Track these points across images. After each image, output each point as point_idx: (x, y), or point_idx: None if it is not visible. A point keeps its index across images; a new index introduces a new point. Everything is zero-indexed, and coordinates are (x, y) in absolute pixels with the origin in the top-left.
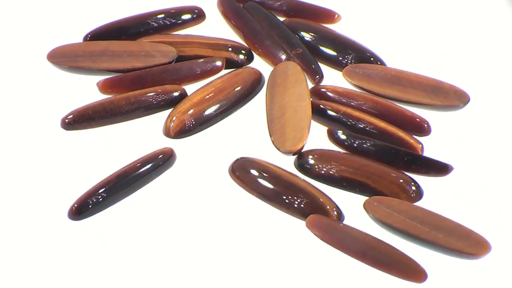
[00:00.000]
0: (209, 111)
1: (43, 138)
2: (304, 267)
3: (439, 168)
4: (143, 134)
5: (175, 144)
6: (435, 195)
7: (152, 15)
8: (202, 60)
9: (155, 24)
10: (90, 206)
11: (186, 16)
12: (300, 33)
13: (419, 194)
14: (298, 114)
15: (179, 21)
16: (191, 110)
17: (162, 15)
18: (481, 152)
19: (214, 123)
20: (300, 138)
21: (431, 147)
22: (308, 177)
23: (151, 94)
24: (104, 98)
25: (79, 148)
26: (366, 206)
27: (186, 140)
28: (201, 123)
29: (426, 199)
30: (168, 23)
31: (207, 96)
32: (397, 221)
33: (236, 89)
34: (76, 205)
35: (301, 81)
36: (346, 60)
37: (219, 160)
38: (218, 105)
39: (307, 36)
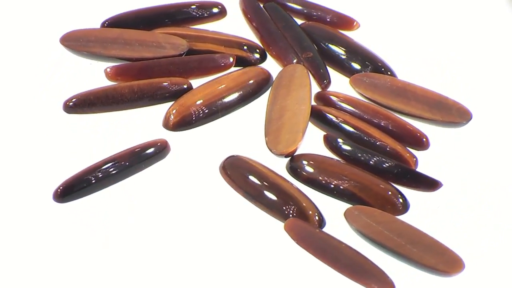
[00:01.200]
0: (211, 106)
1: (44, 119)
2: (279, 268)
3: (428, 184)
4: (143, 124)
5: (173, 137)
6: (422, 209)
7: (173, 7)
8: (212, 55)
9: (175, 17)
10: (74, 190)
11: (210, 11)
12: (315, 36)
13: (405, 207)
14: (295, 117)
15: (201, 15)
16: (192, 104)
17: (185, 8)
18: (475, 172)
19: (215, 119)
20: (293, 141)
21: (427, 161)
22: (298, 180)
23: (155, 85)
24: (109, 84)
25: (78, 132)
26: (346, 214)
27: (184, 133)
28: (201, 118)
29: (412, 213)
30: (189, 16)
31: (211, 92)
32: (374, 232)
33: (241, 88)
34: (61, 188)
35: (305, 85)
36: (356, 67)
37: (213, 157)
38: (220, 102)
39: (321, 41)
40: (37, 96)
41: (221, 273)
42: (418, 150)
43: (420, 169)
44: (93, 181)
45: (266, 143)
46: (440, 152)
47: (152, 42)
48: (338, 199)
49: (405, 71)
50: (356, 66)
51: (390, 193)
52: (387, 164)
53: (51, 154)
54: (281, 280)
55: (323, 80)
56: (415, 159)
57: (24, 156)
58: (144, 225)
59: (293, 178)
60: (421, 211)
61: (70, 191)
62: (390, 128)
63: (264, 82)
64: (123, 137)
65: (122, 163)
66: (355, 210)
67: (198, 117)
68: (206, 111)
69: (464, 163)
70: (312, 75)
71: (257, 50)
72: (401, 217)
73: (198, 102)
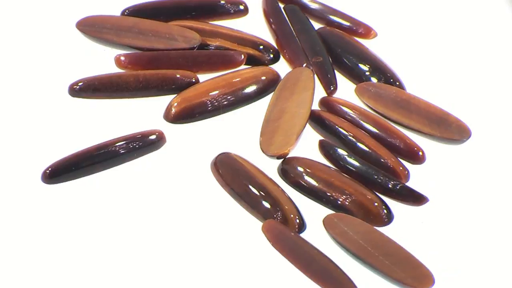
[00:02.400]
0: (213, 102)
1: (48, 100)
2: (252, 267)
3: (414, 198)
4: (144, 114)
5: (171, 129)
6: (406, 223)
7: (197, 0)
8: (223, 51)
9: (198, 11)
10: (62, 173)
11: (234, 8)
12: (329, 42)
13: (389, 218)
14: (293, 120)
15: (224, 12)
16: (195, 98)
17: (209, 2)
18: (466, 191)
19: (216, 115)
20: (286, 143)
21: (421, 176)
22: (287, 183)
23: (161, 76)
24: (118, 72)
25: (78, 116)
26: (325, 220)
27: (183, 126)
28: (202, 112)
29: (396, 225)
30: (211, 11)
31: (215, 88)
32: (348, 241)
33: (246, 86)
34: (49, 169)
35: (309, 89)
36: (365, 76)
37: (208, 152)
38: (223, 98)
39: (335, 47)
40: (46, 76)
41: (196, 266)
42: (413, 163)
43: (412, 182)
44: (83, 166)
45: (260, 143)
46: (435, 167)
47: (165, 34)
48: (323, 205)
49: (416, 83)
50: (365, 74)
51: (376, 204)
52: (376, 175)
53: (47, 135)
54: (252, 279)
55: (329, 86)
56: (406, 172)
57: (19, 133)
58: (129, 213)
59: (283, 181)
60: (405, 224)
61: (58, 173)
62: (387, 139)
63: (271, 83)
64: (122, 125)
65: (114, 150)
66: (335, 217)
67: (199, 111)
68: (208, 106)
69: (457, 181)
70: (319, 79)
71: (271, 51)
72: (384, 229)
73: (201, 97)
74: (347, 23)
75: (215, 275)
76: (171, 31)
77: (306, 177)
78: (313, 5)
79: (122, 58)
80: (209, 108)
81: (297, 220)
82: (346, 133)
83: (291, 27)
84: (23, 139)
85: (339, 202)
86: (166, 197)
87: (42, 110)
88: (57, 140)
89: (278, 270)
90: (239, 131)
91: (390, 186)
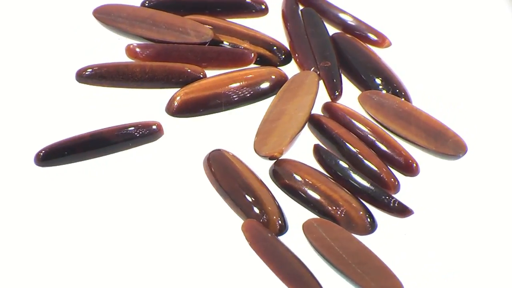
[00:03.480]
0: (216, 99)
1: (55, 85)
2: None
3: (399, 209)
4: (148, 105)
5: (171, 122)
6: (389, 233)
7: None
8: (233, 49)
9: (218, 9)
10: (54, 156)
11: (255, 7)
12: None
13: (372, 227)
14: (290, 122)
15: (244, 10)
16: (199, 94)
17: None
18: (454, 207)
19: (217, 112)
20: (278, 145)
21: (413, 188)
22: (276, 184)
23: (168, 68)
24: (126, 61)
25: (83, 102)
26: (305, 224)
27: (183, 120)
28: (204, 108)
29: (379, 235)
30: (231, 8)
31: (220, 84)
32: (324, 246)
33: (251, 86)
34: (42, 152)
35: (311, 93)
36: (372, 84)
37: (205, 148)
38: (226, 95)
39: (346, 53)
40: (57, 60)
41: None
42: (406, 175)
43: (403, 194)
44: (75, 151)
45: (254, 143)
46: (428, 181)
47: (178, 27)
48: (309, 210)
49: (423, 95)
50: (372, 83)
51: (360, 213)
52: (364, 184)
53: (48, 117)
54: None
55: (334, 91)
56: (396, 184)
57: (20, 113)
58: (116, 201)
59: (273, 182)
60: (388, 235)
61: (50, 156)
62: (383, 149)
63: (277, 85)
64: (123, 114)
65: (108, 138)
66: (315, 222)
67: (201, 107)
68: (211, 102)
69: (448, 197)
70: (325, 84)
71: (283, 52)
72: (367, 237)
73: (205, 93)
74: (363, 30)
75: (190, 267)
76: (184, 25)
77: (295, 181)
78: (331, 10)
79: (132, 47)
80: (211, 105)
81: (279, 222)
82: (342, 139)
83: (305, 30)
84: (22, 120)
85: (324, 208)
86: (157, 189)
87: (47, 93)
88: (57, 123)
89: (254, 269)
90: (238, 130)
91: (376, 195)
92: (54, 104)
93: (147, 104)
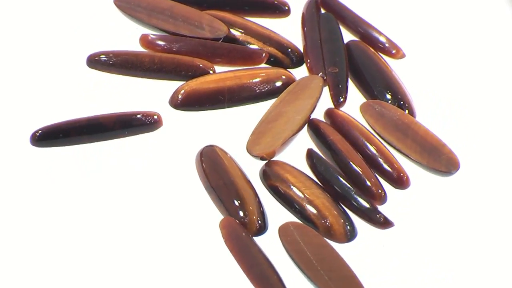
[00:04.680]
0: (219, 95)
1: (66, 68)
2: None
3: (380, 221)
4: (152, 96)
5: (173, 114)
6: (368, 243)
7: None
8: (244, 47)
9: (245, 7)
10: (49, 138)
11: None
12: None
13: (352, 236)
14: (286, 125)
15: (266, 9)
16: (203, 88)
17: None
18: (437, 224)
19: (220, 108)
20: (270, 146)
21: (401, 200)
22: (264, 185)
23: (177, 61)
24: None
25: (89, 87)
26: (281, 227)
27: (184, 114)
28: (207, 103)
29: (357, 244)
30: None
31: (225, 81)
32: (295, 250)
33: (256, 85)
34: (38, 132)
35: (313, 97)
36: (379, 94)
37: (201, 143)
38: (230, 93)
39: (357, 61)
40: (72, 43)
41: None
42: (396, 187)
43: (389, 206)
44: (70, 135)
45: (247, 142)
46: (418, 195)
47: (194, 21)
48: (292, 213)
49: (429, 109)
50: (379, 93)
51: (341, 221)
52: (350, 192)
53: (52, 98)
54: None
55: (338, 97)
56: (383, 195)
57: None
58: (105, 188)
59: (262, 182)
60: (367, 245)
61: (45, 137)
62: (375, 159)
63: (282, 86)
64: (127, 102)
65: (104, 124)
66: (292, 225)
67: (204, 102)
68: (214, 98)
69: (435, 212)
70: (330, 90)
71: (296, 55)
72: (345, 245)
73: (209, 88)
74: (378, 40)
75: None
76: (201, 19)
77: (281, 183)
78: (350, 17)
79: (145, 37)
80: (214, 100)
81: (259, 222)
82: (336, 145)
83: (319, 35)
84: (26, 98)
85: (305, 212)
86: (148, 179)
87: (56, 74)
88: (59, 105)
89: (226, 267)
90: (238, 128)
91: (359, 205)
92: (61, 86)
93: (151, 94)
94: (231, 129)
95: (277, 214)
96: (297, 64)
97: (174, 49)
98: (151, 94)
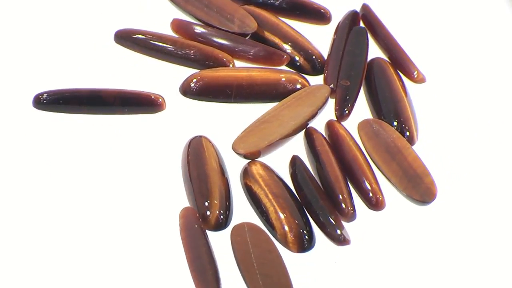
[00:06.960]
0: (227, 89)
1: (92, 40)
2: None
3: (337, 237)
4: (165, 79)
5: (178, 100)
6: (323, 256)
7: None
8: (267, 47)
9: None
10: (50, 102)
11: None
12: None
13: (308, 246)
14: (278, 128)
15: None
16: (214, 80)
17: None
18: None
19: (226, 102)
20: (255, 146)
21: (373, 221)
22: (241, 184)
23: (198, 48)
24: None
25: (109, 62)
26: (236, 226)
27: (190, 101)
28: (214, 96)
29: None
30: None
31: (237, 76)
32: (240, 251)
33: (265, 85)
34: (41, 96)
35: (313, 106)
36: (384, 114)
37: (196, 133)
38: (239, 89)
39: (374, 77)
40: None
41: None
42: (370, 208)
43: (356, 224)
44: (70, 103)
45: (235, 139)
46: (390, 219)
47: (227, 14)
48: (255, 212)
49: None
50: (385, 112)
51: (300, 230)
52: (316, 204)
53: (69, 66)
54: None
55: (343, 110)
56: (352, 213)
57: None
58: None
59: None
60: (319, 258)
61: (46, 101)
62: (357, 177)
63: (292, 91)
64: (140, 81)
65: (105, 98)
66: (247, 226)
67: (212, 94)
68: (222, 92)
69: (397, 241)
70: (336, 102)
71: (318, 62)
72: (297, 255)
73: (220, 81)
74: (402, 61)
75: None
76: (234, 12)
77: (254, 184)
78: (382, 34)
79: (175, 22)
80: (222, 94)
81: (221, 217)
82: (320, 156)
83: (345, 47)
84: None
85: (268, 216)
86: (138, 161)
87: (80, 43)
88: (74, 72)
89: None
90: (238, 126)
91: (321, 216)
92: (85, 56)
93: (165, 77)
94: (232, 125)
95: (250, 214)
96: (318, 71)
97: (200, 38)
98: (165, 77)
